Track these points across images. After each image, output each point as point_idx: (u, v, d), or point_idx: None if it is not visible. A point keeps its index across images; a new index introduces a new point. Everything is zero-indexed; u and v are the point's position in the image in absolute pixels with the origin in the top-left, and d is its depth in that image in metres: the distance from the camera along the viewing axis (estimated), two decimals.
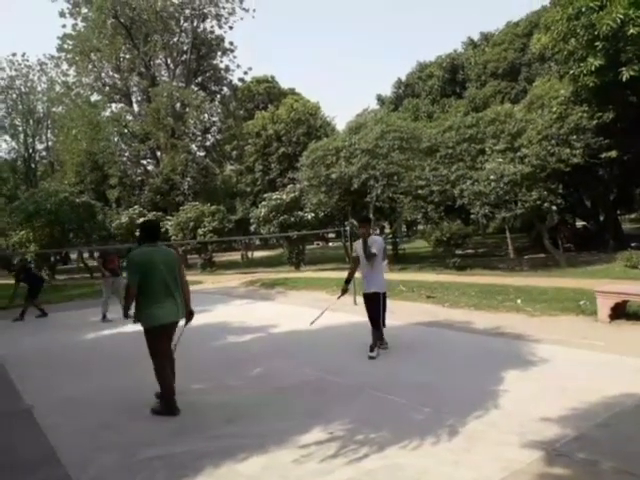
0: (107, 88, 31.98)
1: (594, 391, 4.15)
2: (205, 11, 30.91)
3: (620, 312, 6.82)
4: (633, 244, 16.21)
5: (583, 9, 12.07)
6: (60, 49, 30.42)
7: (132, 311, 4.45)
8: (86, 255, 30.05)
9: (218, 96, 33.77)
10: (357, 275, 6.22)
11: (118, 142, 31.88)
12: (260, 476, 3.12)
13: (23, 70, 32.46)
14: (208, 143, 33.80)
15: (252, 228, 22.38)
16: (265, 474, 3.13)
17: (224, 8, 31.04)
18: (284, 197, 19.91)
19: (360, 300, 6.77)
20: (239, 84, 36.52)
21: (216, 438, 3.71)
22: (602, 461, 3.00)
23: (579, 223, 24.37)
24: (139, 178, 32.28)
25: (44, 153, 37.08)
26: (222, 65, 33.01)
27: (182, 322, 4.46)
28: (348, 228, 12.59)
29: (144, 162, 33.04)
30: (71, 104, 30.17)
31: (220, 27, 31.68)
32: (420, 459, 3.18)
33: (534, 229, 18.00)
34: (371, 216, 15.12)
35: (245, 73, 35.86)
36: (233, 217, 26.07)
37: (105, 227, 23.56)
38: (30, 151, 34.71)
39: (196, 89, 31.45)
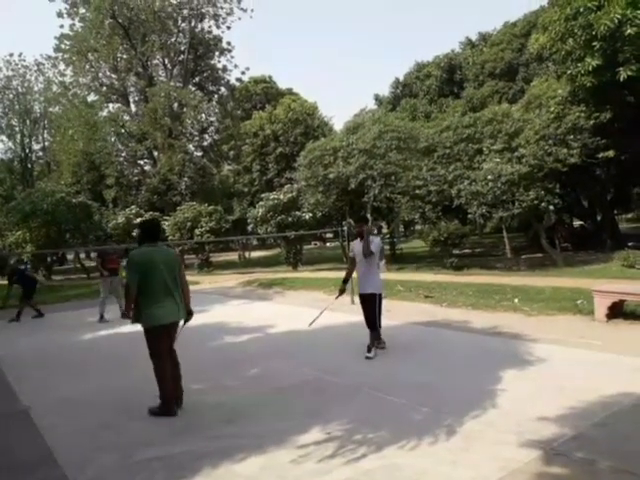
0: (104, 88, 31.96)
1: (591, 390, 4.16)
2: (203, 11, 30.96)
3: (617, 311, 6.85)
4: (630, 244, 16.26)
5: (581, 9, 12.10)
6: (57, 49, 30.39)
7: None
8: (83, 255, 29.97)
9: (215, 96, 33.79)
10: (355, 275, 6.23)
11: (115, 142, 31.86)
12: (258, 476, 3.11)
13: (20, 70, 32.32)
14: (205, 143, 33.81)
15: (249, 228, 22.33)
16: (263, 474, 3.13)
17: (222, 8, 31.11)
18: (281, 197, 19.89)
19: (358, 300, 6.76)
20: (237, 84, 36.55)
21: (215, 438, 3.71)
22: (600, 460, 3.00)
23: (576, 223, 24.40)
24: (136, 178, 32.22)
25: (41, 153, 36.94)
26: (220, 65, 33.09)
27: (181, 322, 4.46)
28: (345, 228, 12.59)
29: (141, 162, 33.04)
30: (68, 104, 30.12)
31: (218, 27, 31.76)
32: (418, 459, 3.18)
33: (531, 229, 18.05)
34: (369, 216, 15.12)
35: (243, 73, 35.93)
36: (230, 217, 26.04)
37: (102, 227, 23.48)
38: (27, 151, 34.57)
39: (193, 89, 31.46)
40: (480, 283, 10.98)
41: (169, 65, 31.78)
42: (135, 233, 21.24)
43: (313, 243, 40.82)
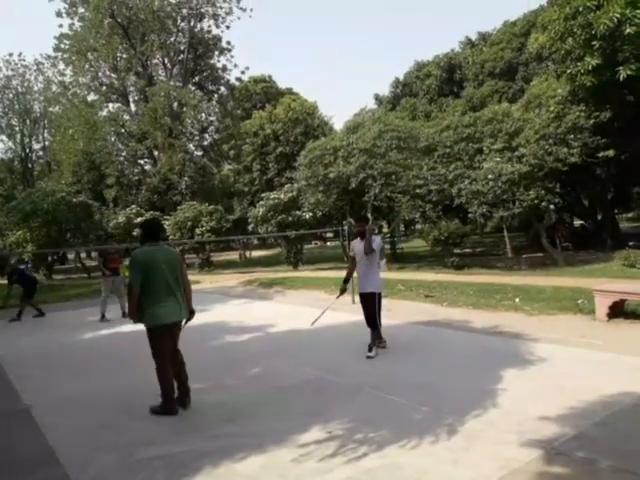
0: (104, 88, 31.95)
1: (592, 390, 4.16)
2: (202, 11, 30.93)
3: (618, 311, 6.84)
4: (631, 243, 16.25)
5: (580, 8, 12.09)
6: (57, 49, 30.38)
7: None
8: (83, 255, 29.96)
9: (215, 96, 33.77)
10: (355, 274, 6.23)
11: (115, 142, 31.85)
12: (259, 475, 3.12)
13: (20, 70, 32.32)
14: (206, 143, 33.80)
15: (250, 228, 22.35)
16: (264, 473, 3.13)
17: (221, 8, 31.09)
18: (282, 197, 19.88)
19: (358, 299, 6.77)
20: (236, 84, 36.54)
21: (215, 437, 3.71)
22: (601, 460, 3.00)
23: (577, 222, 24.40)
24: (136, 178, 32.23)
25: (41, 153, 36.95)
26: (219, 65, 33.07)
27: (183, 321, 4.46)
28: (346, 227, 12.59)
29: (141, 162, 33.03)
30: (68, 104, 30.10)
31: (217, 27, 31.74)
32: (419, 458, 3.18)
33: (532, 228, 18.04)
34: (369, 215, 15.12)
35: (242, 73, 35.92)
36: (231, 217, 26.01)
37: (102, 227, 23.47)
38: (27, 151, 34.58)
39: (193, 89, 31.45)
40: (481, 282, 10.98)
41: (169, 64, 31.77)
42: (136, 233, 21.27)
43: (314, 242, 40.81)
